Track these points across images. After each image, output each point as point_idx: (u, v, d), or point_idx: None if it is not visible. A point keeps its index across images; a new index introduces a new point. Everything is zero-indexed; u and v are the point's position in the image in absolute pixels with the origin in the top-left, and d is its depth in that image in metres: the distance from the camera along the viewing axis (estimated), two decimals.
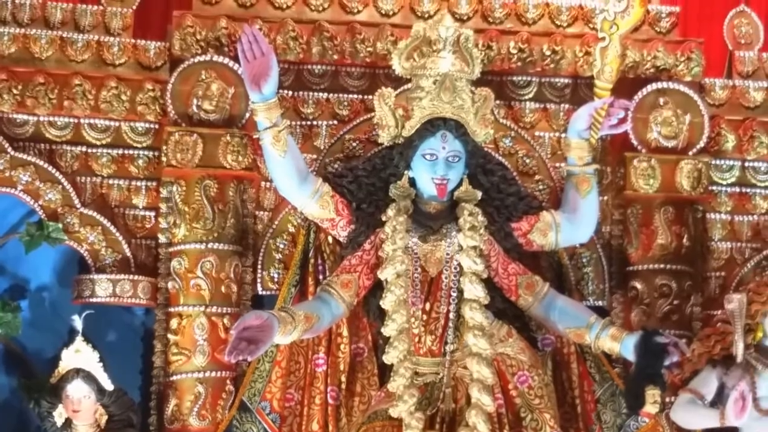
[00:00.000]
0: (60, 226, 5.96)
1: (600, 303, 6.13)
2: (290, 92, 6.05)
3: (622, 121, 5.75)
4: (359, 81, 6.20)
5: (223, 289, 5.86)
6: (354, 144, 6.15)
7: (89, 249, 6.02)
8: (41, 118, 6.07)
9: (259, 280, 6.07)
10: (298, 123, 6.05)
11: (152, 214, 6.09)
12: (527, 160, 6.22)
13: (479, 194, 5.68)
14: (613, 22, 5.56)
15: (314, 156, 6.05)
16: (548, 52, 6.25)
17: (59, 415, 5.66)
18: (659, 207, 6.15)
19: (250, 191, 6.05)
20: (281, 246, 6.10)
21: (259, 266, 6.08)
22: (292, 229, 6.05)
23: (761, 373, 5.67)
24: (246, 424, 5.76)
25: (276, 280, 6.04)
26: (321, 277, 5.85)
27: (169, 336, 5.86)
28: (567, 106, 6.16)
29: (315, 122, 6.18)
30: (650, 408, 5.61)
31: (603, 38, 5.59)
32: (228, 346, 5.02)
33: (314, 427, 5.71)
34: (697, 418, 5.72)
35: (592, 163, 5.76)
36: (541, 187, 6.16)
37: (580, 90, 6.16)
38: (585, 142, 5.67)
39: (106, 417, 5.68)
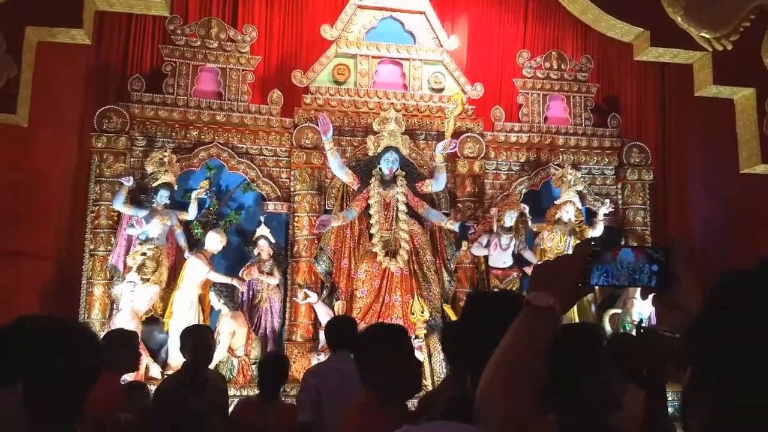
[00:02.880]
0: (255, 184, 6.00)
1: (447, 211, 6.09)
2: (337, 136, 5.86)
3: (455, 147, 5.85)
4: (362, 132, 6.10)
5: (314, 207, 5.92)
6: (360, 155, 6.08)
7: (265, 192, 6.04)
8: (247, 146, 6.09)
9: (326, 204, 6.03)
10: (339, 147, 5.85)
11: (288, 180, 6.05)
12: (420, 161, 6.17)
13: (404, 173, 5.78)
14: (450, 112, 5.71)
15: (344, 159, 5.91)
16: (428, 122, 6.26)
17: (256, 251, 5.81)
18: (467, 177, 6.18)
19: (324, 172, 6.01)
20: (333, 191, 6.06)
21: (326, 198, 6.04)
22: (338, 185, 6.01)
23: (501, 235, 5.88)
24: (321, 254, 5.72)
25: (332, 204, 5.99)
26: (347, 203, 5.84)
27: (295, 224, 5.91)
28: (436, 141, 5.99)
29: (344, 147, 6.10)
30: (463, 247, 5.68)
31: (447, 117, 5.73)
32: (315, 226, 5.35)
33: (346, 254, 5.77)
34: (478, 252, 5.90)
35: (444, 162, 5.85)
36: (425, 171, 6.02)
37: (440, 136, 5.98)
38: (441, 155, 5.76)
39: (272, 251, 5.81)
